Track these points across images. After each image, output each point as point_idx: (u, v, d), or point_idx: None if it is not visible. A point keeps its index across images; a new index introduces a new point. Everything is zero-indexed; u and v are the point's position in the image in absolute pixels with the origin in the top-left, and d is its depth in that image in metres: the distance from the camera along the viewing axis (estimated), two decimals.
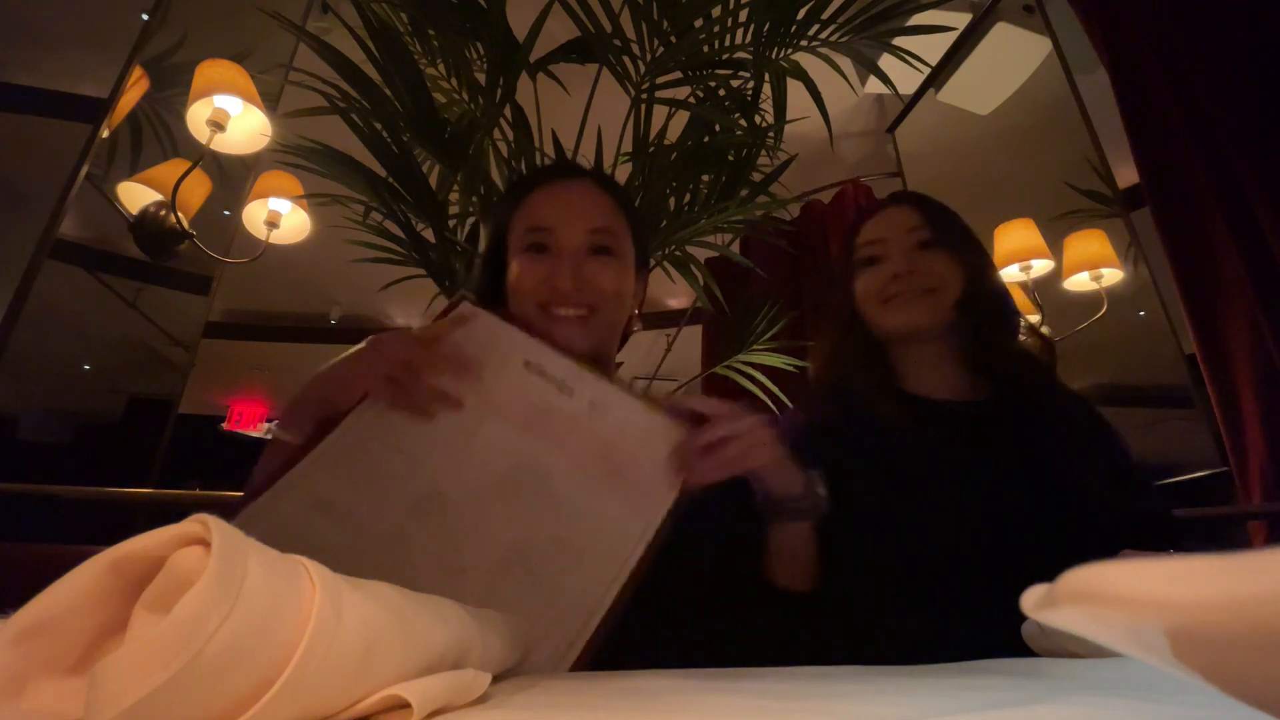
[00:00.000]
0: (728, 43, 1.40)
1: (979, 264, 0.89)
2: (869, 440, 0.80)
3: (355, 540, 0.58)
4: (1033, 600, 0.15)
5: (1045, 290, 2.24)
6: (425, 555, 0.59)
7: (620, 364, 1.05)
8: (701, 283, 1.48)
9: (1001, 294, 0.90)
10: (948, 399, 0.86)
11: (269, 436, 0.68)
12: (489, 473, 0.63)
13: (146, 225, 2.11)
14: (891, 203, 0.94)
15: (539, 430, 0.66)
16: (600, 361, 0.84)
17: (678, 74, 1.40)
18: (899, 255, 0.87)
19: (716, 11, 1.34)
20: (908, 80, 2.42)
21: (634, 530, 0.62)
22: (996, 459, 0.78)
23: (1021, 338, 0.90)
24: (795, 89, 1.45)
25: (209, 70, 1.89)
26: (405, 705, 0.25)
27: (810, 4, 1.34)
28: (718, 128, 1.44)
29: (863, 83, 2.49)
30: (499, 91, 1.32)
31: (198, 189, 2.11)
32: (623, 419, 0.67)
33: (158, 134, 2.23)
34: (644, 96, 1.38)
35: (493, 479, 0.63)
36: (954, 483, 0.76)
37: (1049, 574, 0.15)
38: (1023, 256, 2.18)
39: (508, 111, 1.35)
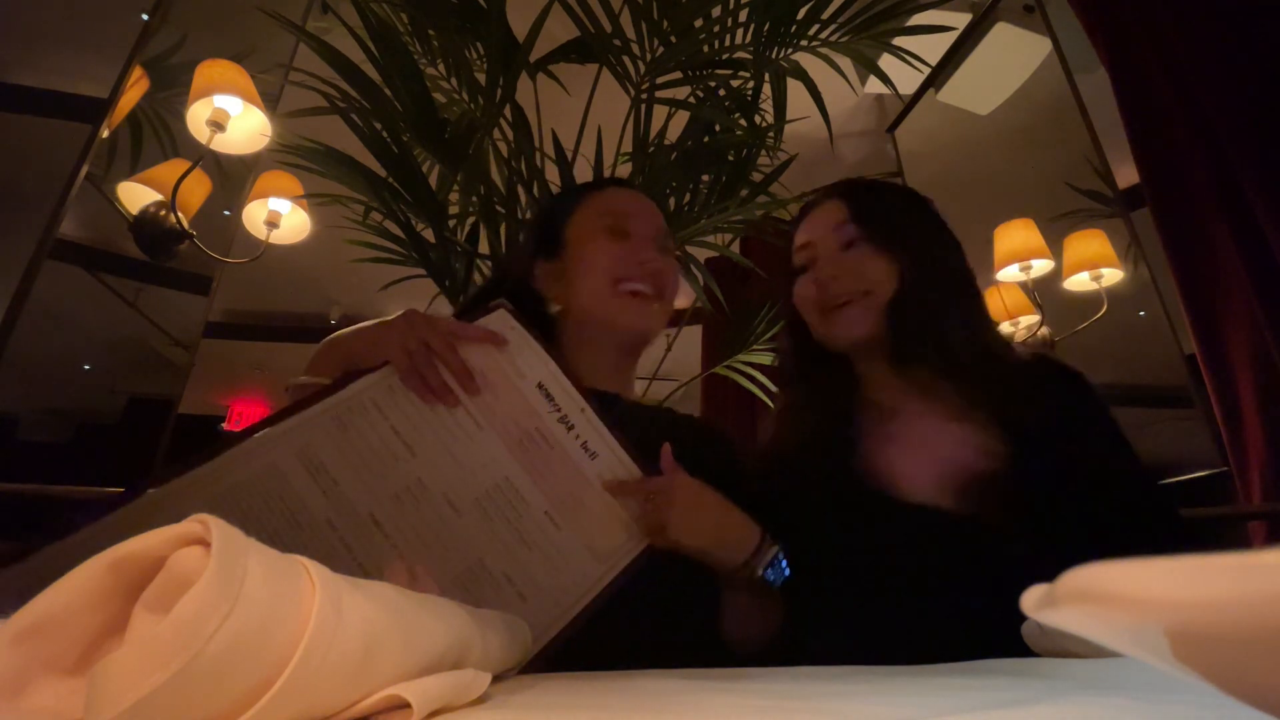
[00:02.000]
0: (728, 43, 1.40)
1: (920, 256, 0.78)
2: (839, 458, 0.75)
3: (331, 512, 0.59)
4: (1033, 600, 0.15)
5: (1045, 290, 2.24)
6: (390, 549, 0.59)
7: None
8: (701, 283, 1.48)
9: (946, 287, 0.78)
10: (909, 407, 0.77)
11: (294, 382, 0.70)
12: (471, 486, 0.64)
13: (146, 225, 2.10)
14: (822, 197, 0.86)
15: (530, 456, 0.66)
16: (636, 357, 0.88)
17: (678, 74, 1.40)
18: (824, 260, 0.81)
19: (716, 11, 1.34)
20: (908, 80, 2.42)
21: (586, 580, 0.63)
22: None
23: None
24: (795, 89, 1.45)
25: (209, 70, 1.89)
26: (405, 705, 0.25)
27: (810, 4, 1.34)
28: (718, 128, 1.44)
29: (863, 83, 2.49)
30: (499, 91, 1.32)
31: (198, 189, 2.11)
32: (607, 467, 0.68)
33: (158, 134, 2.23)
34: (644, 96, 1.38)
35: (473, 493, 0.63)
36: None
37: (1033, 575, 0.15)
38: (1023, 256, 2.19)
39: (508, 111, 1.35)
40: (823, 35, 1.40)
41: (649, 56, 1.35)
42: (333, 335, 0.73)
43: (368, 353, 0.68)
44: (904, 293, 0.76)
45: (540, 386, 0.70)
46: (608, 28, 1.33)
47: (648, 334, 0.84)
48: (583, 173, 1.38)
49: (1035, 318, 2.27)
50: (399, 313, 0.71)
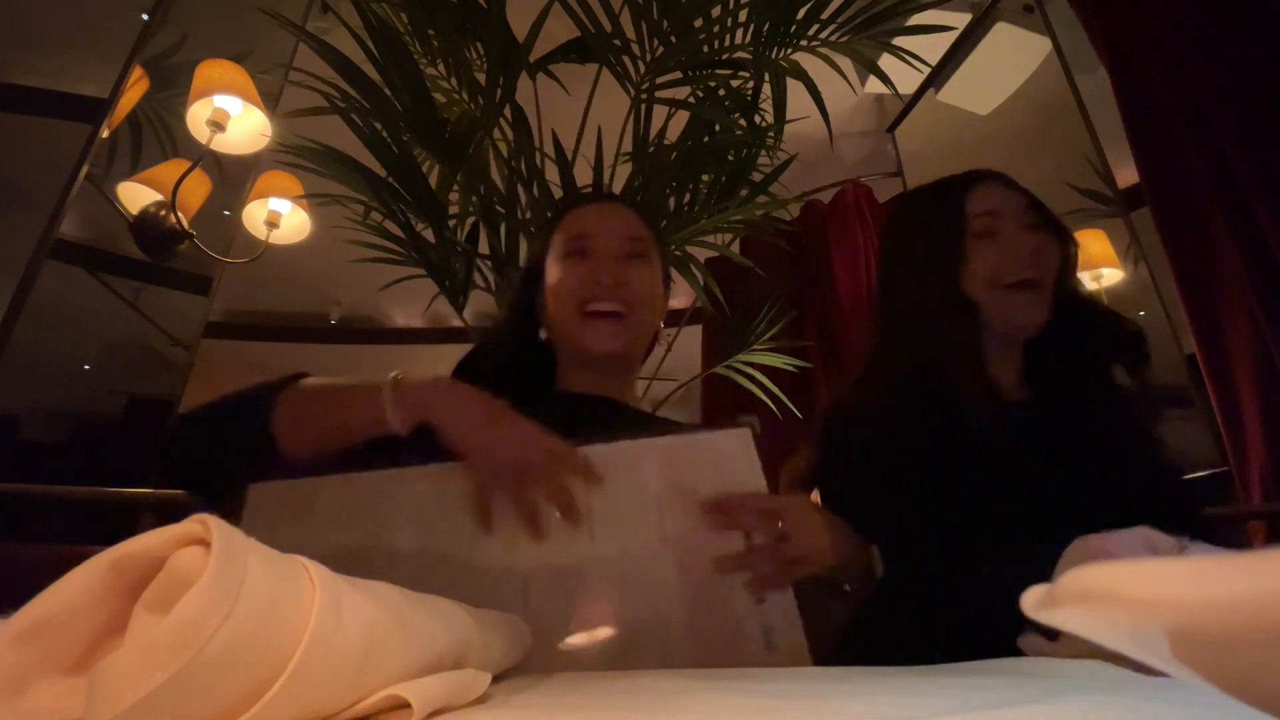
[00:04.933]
0: (728, 43, 1.40)
1: (1072, 258, 0.82)
2: (946, 436, 0.72)
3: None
4: (1033, 600, 0.15)
5: None
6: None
7: None
8: (701, 283, 1.48)
9: (1088, 298, 0.84)
10: (1009, 399, 0.79)
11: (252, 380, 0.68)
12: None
13: (146, 225, 2.11)
14: (990, 177, 0.85)
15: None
16: (629, 369, 0.87)
17: (678, 74, 1.40)
18: (1013, 232, 0.79)
19: (716, 11, 1.34)
20: (908, 80, 2.41)
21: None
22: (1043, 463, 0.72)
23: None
24: (795, 89, 1.45)
25: (209, 70, 1.90)
26: (405, 705, 0.25)
27: (810, 4, 1.34)
28: (718, 128, 1.45)
29: (863, 83, 2.48)
30: (499, 91, 1.32)
31: (198, 189, 2.11)
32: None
33: (158, 134, 2.23)
34: (644, 96, 1.38)
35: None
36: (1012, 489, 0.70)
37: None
38: None
39: (508, 111, 1.35)
40: (822, 35, 1.40)
41: (649, 56, 1.35)
42: (455, 383, 0.67)
43: (481, 445, 0.61)
44: (1064, 284, 0.79)
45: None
46: (608, 28, 1.33)
47: (617, 354, 0.81)
48: (583, 173, 1.38)
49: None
50: (546, 443, 0.61)
